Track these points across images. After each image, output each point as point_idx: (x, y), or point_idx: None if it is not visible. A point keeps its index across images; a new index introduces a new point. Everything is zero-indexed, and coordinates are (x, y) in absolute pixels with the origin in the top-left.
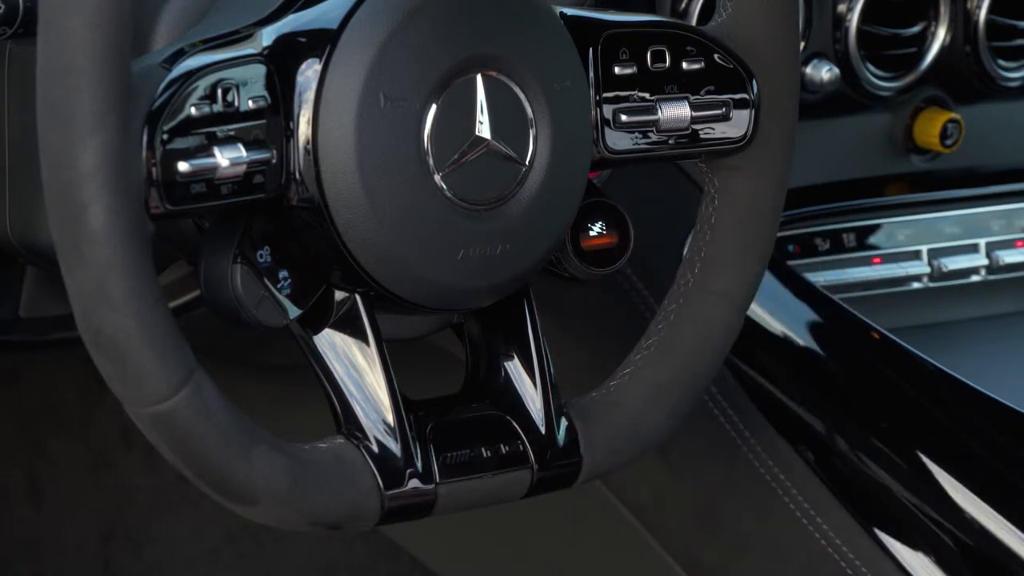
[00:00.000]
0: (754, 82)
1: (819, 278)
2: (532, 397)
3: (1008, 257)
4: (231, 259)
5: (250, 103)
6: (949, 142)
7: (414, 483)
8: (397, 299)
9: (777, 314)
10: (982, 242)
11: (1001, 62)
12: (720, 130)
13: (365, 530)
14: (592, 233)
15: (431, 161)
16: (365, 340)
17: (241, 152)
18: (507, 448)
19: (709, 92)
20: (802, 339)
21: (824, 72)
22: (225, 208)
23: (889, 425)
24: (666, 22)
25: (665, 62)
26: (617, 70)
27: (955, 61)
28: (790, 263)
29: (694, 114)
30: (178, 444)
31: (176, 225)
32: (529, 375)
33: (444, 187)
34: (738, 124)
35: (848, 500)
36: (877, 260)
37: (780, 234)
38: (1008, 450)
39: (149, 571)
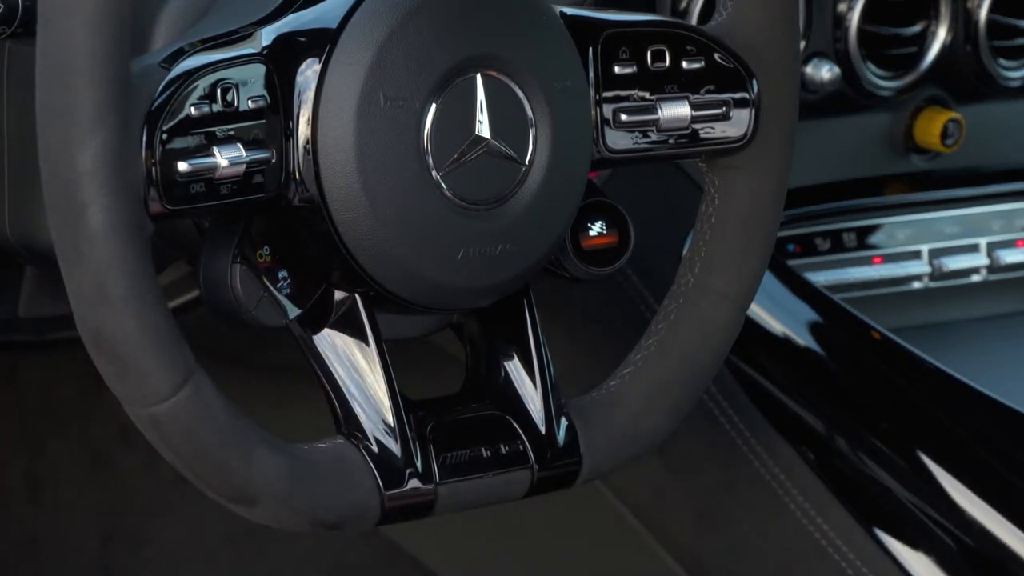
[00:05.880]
0: (754, 81)
1: (819, 278)
2: (532, 397)
3: (1009, 257)
4: (230, 259)
5: (249, 103)
6: (950, 142)
7: (414, 483)
8: (397, 299)
9: (777, 314)
10: (983, 242)
11: (1002, 61)
12: (720, 129)
13: (365, 530)
14: (592, 233)
15: (431, 161)
16: (365, 340)
17: (240, 152)
18: (507, 448)
19: (709, 91)
20: (802, 339)
21: (824, 72)
22: (225, 208)
23: (889, 425)
24: (666, 21)
25: (665, 61)
26: (617, 69)
27: (956, 60)
28: (790, 263)
29: (694, 113)
30: (178, 444)
31: (175, 225)
32: (529, 375)
33: (444, 187)
34: (738, 123)
35: (848, 500)
36: (877, 260)
37: (780, 234)
38: (1008, 450)
39: (148, 571)
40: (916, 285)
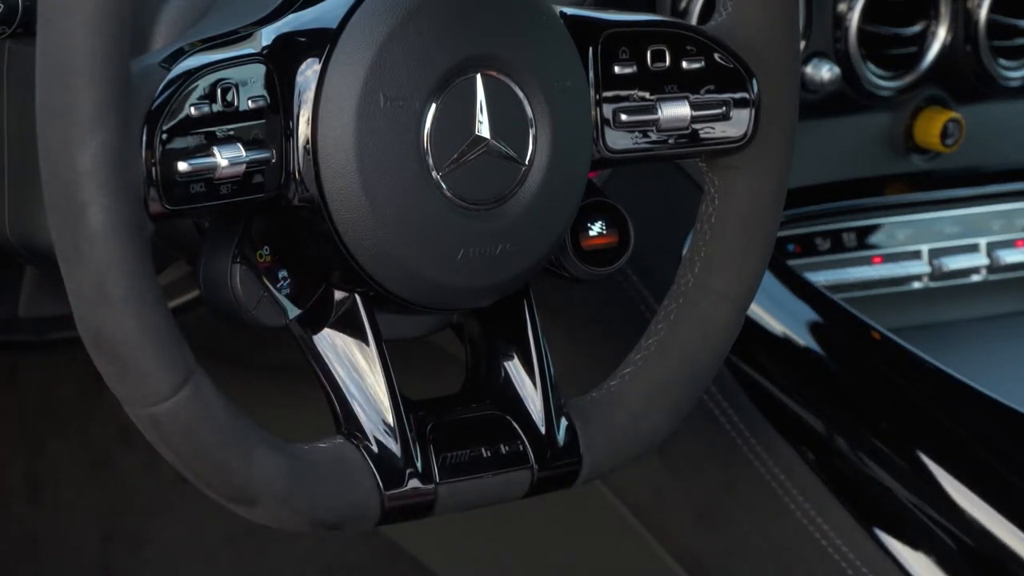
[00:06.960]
0: (754, 81)
1: (819, 278)
2: (532, 397)
3: (1008, 257)
4: (230, 259)
5: (249, 103)
6: (950, 141)
7: (414, 483)
8: (397, 299)
9: (777, 314)
10: (982, 242)
11: (1002, 61)
12: (720, 129)
13: (365, 530)
14: (592, 233)
15: (431, 161)
16: (365, 340)
17: (240, 152)
18: (507, 448)
19: (709, 91)
20: (802, 339)
21: (824, 71)
22: (225, 208)
23: (889, 425)
24: (666, 21)
25: (665, 61)
26: (617, 69)
27: (956, 60)
28: (790, 263)
29: (694, 113)
30: (178, 444)
31: (175, 225)
32: (529, 375)
33: (444, 186)
34: (738, 123)
35: (848, 500)
36: (877, 260)
37: (780, 234)
38: (1008, 450)
39: (148, 571)
40: (916, 285)
